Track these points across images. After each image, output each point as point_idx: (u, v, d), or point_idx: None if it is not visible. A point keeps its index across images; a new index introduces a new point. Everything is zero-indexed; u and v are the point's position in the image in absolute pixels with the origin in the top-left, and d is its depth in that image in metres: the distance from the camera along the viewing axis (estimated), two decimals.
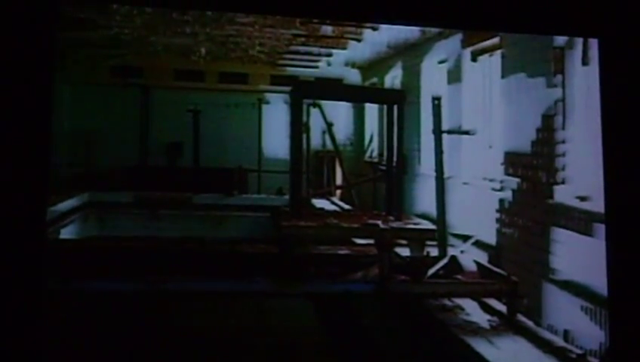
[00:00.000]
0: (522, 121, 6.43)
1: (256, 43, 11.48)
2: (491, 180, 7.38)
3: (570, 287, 5.49)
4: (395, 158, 8.34)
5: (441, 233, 7.34)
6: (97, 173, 12.30)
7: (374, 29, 9.86)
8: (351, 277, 6.30)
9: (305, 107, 10.94)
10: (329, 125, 12.02)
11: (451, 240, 7.46)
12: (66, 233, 9.84)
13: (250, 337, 6.06)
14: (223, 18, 9.49)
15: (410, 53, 10.55)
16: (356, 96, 11.06)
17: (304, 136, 10.74)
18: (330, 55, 12.49)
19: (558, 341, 5.40)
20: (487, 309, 6.16)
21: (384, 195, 8.73)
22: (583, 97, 5.67)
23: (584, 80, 5.65)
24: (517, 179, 6.57)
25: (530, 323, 5.79)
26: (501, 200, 6.90)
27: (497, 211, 6.96)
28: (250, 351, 5.75)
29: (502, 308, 6.07)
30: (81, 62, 12.54)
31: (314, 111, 12.12)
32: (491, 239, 7.05)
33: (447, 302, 6.33)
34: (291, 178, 8.12)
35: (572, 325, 5.40)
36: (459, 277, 6.53)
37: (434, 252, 6.94)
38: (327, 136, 12.60)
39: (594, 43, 4.41)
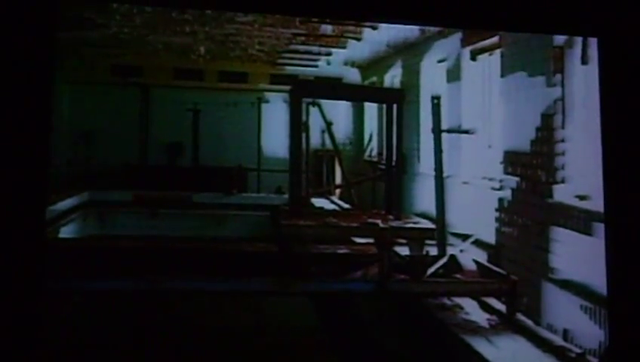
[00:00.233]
0: (522, 120, 6.43)
1: (255, 42, 11.48)
2: (491, 179, 7.38)
3: (570, 286, 5.49)
4: (394, 157, 8.34)
5: (440, 232, 7.34)
6: (97, 171, 12.30)
7: (374, 28, 9.86)
8: (350, 277, 6.30)
9: (304, 106, 10.93)
10: (328, 124, 12.01)
11: (451, 239, 7.46)
12: (66, 232, 9.84)
13: (250, 336, 6.06)
14: (222, 17, 9.49)
15: (409, 53, 10.55)
16: (356, 95, 11.05)
17: (303, 135, 10.73)
18: (329, 54, 12.49)
19: (558, 340, 5.40)
20: (487, 308, 6.16)
21: (383, 194, 8.73)
22: (583, 96, 5.67)
23: (583, 79, 5.65)
24: (516, 178, 6.57)
25: (529, 322, 5.80)
26: (500, 200, 6.90)
27: (497, 210, 6.96)
28: (251, 351, 5.75)
29: (501, 307, 6.07)
30: (81, 61, 12.53)
31: (313, 110, 12.11)
32: (491, 238, 7.06)
33: (446, 301, 6.34)
34: (291, 177, 8.12)
35: (571, 324, 5.40)
36: (458, 276, 6.53)
37: (433, 251, 6.93)
38: (326, 135, 12.59)
39: (593, 42, 4.41)
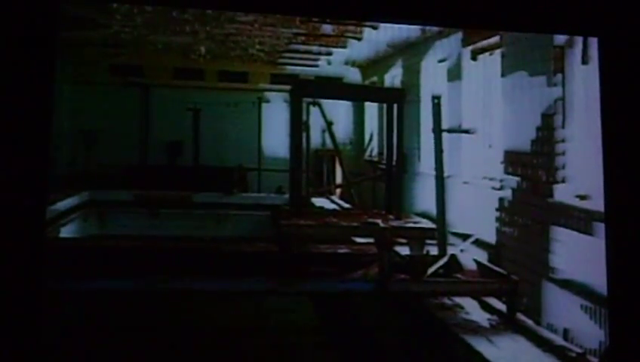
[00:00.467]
0: (522, 120, 6.43)
1: (256, 41, 11.48)
2: (491, 179, 7.38)
3: (570, 286, 5.49)
4: (394, 157, 8.34)
5: (440, 232, 7.34)
6: (97, 171, 12.31)
7: (374, 27, 9.87)
8: (351, 276, 6.30)
9: (305, 106, 10.95)
10: (329, 124, 12.01)
11: (451, 239, 7.46)
12: (66, 232, 9.85)
13: (250, 336, 6.06)
14: (222, 17, 9.49)
15: (410, 52, 10.54)
16: (356, 94, 11.06)
17: (304, 134, 10.74)
18: (330, 54, 12.49)
19: (558, 340, 5.39)
20: (487, 308, 6.16)
21: (384, 194, 8.73)
22: (583, 96, 5.67)
23: (584, 79, 5.65)
24: (517, 178, 6.57)
25: (529, 322, 5.79)
26: (501, 199, 6.90)
27: (497, 210, 6.96)
28: (251, 350, 5.75)
29: (501, 306, 6.07)
30: (81, 61, 12.53)
31: (314, 109, 12.12)
32: (491, 238, 7.06)
33: (446, 300, 6.33)
34: (291, 177, 8.13)
35: (572, 324, 5.40)
36: (459, 276, 6.53)
37: (434, 251, 6.93)
38: (326, 135, 12.60)
39: (594, 42, 4.41)
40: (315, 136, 13.03)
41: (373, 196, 11.56)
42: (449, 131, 8.04)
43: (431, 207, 8.05)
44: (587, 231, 5.25)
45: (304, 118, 10.72)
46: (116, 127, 12.78)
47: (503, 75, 7.00)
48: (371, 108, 13.25)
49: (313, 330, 6.34)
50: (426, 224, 7.73)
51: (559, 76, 5.87)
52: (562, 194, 5.78)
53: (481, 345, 5.22)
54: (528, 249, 6.23)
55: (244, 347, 5.81)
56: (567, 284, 5.55)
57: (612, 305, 3.12)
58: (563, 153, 5.83)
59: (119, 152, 12.72)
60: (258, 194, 12.55)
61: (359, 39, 10.81)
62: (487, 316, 5.98)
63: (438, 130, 7.59)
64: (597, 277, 3.95)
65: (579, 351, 5.11)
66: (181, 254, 6.72)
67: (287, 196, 10.03)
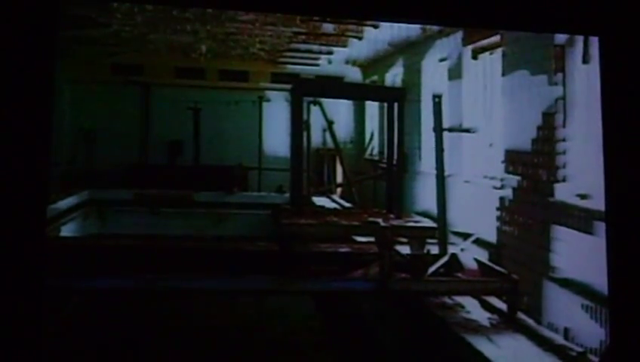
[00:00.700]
0: (523, 119, 6.42)
1: (256, 41, 11.48)
2: (492, 178, 7.38)
3: (571, 285, 5.49)
4: (395, 156, 8.33)
5: (441, 231, 7.33)
6: (98, 170, 12.32)
7: (375, 26, 9.86)
8: (351, 275, 6.30)
9: (305, 105, 10.95)
10: (329, 123, 12.02)
11: (452, 238, 7.46)
12: (67, 230, 9.86)
13: (251, 334, 6.07)
14: (223, 16, 9.49)
15: (410, 51, 10.54)
16: (357, 93, 11.04)
17: (304, 133, 10.74)
18: (330, 53, 12.50)
19: (559, 339, 5.39)
20: (488, 307, 6.15)
21: (384, 193, 8.72)
22: (584, 95, 5.66)
23: (585, 78, 5.64)
24: (517, 177, 6.57)
25: (530, 321, 5.79)
26: (501, 198, 6.90)
27: (498, 209, 6.96)
28: (251, 349, 5.75)
29: (502, 305, 6.06)
30: (82, 60, 12.53)
31: (314, 109, 12.13)
32: (492, 237, 7.06)
33: (447, 299, 6.33)
34: (292, 176, 8.11)
35: (572, 323, 5.40)
36: (459, 275, 6.53)
37: (434, 250, 6.92)
38: (327, 134, 12.60)
39: (594, 41, 4.41)
40: (316, 135, 13.04)
41: (373, 195, 11.57)
42: (450, 130, 8.04)
43: (432, 206, 8.05)
44: (588, 230, 5.25)
45: (305, 117, 10.72)
46: (116, 126, 12.80)
47: (503, 74, 6.99)
48: (372, 108, 13.25)
49: (313, 330, 6.34)
50: (426, 223, 7.72)
51: (560, 75, 5.86)
52: (563, 193, 5.78)
53: (481, 344, 5.22)
54: (529, 248, 6.23)
55: (245, 346, 5.81)
56: (567, 283, 5.55)
57: (613, 304, 3.11)
58: (564, 152, 5.83)
59: (120, 151, 12.74)
60: (259, 194, 12.57)
61: (360, 38, 10.81)
62: (488, 315, 5.98)
63: (438, 129, 7.58)
64: (597, 276, 3.95)
65: (579, 350, 5.10)
66: (181, 253, 6.72)
67: (287, 195, 10.03)
